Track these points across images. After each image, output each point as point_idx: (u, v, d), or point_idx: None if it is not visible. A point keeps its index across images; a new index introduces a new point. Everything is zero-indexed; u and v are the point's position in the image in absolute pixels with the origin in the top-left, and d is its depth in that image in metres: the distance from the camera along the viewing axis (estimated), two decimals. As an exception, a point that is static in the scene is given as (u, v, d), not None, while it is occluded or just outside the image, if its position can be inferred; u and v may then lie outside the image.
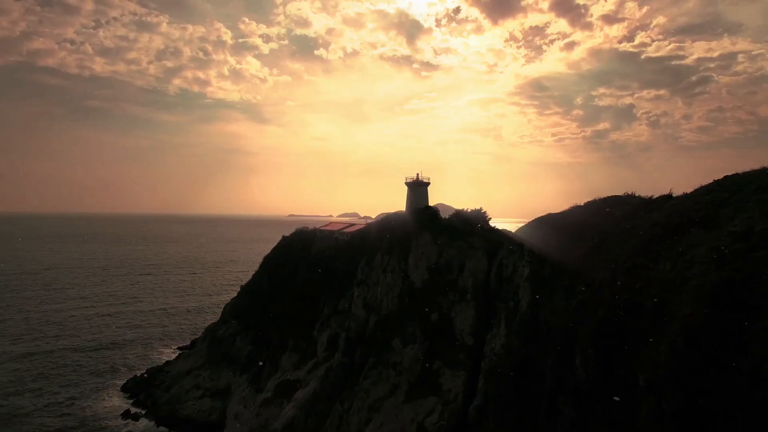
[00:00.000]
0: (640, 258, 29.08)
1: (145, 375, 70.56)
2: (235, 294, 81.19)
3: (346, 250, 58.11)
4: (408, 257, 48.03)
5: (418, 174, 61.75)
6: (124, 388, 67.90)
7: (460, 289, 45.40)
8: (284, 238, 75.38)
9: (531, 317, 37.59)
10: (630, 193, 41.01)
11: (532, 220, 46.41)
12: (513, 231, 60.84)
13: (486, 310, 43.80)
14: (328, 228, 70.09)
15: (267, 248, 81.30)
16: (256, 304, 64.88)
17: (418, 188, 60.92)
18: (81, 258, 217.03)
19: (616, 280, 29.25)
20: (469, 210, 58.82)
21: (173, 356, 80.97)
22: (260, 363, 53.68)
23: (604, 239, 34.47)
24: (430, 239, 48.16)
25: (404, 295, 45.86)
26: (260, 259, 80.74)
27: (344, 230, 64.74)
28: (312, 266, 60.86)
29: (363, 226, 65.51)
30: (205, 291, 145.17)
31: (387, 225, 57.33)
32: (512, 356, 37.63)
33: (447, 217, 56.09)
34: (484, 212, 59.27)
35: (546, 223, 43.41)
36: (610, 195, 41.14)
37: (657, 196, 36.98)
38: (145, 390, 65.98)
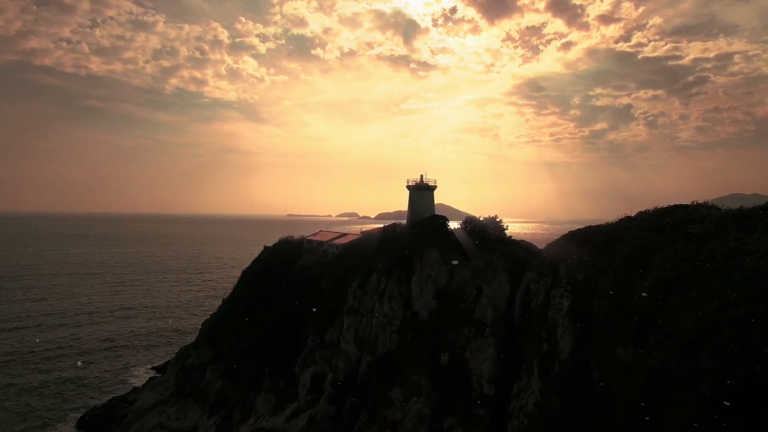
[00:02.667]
0: (756, 304, 19.63)
1: (106, 407, 61.26)
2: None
3: (335, 267, 48.47)
4: (411, 280, 38.54)
5: (422, 176, 52.14)
6: (81, 423, 58.84)
7: (476, 321, 36.01)
8: (266, 249, 65.67)
9: (576, 369, 28.26)
10: (700, 201, 31.37)
11: (566, 234, 36.80)
12: (534, 244, 51.34)
13: (510, 351, 34.41)
14: (316, 238, 60.46)
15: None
16: (231, 328, 55.28)
17: (422, 193, 51.27)
18: (69, 261, 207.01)
19: (721, 334, 19.87)
20: (482, 218, 49.39)
21: (145, 378, 72.39)
22: (231, 405, 44.16)
23: (681, 269, 24.92)
24: (438, 257, 38.72)
25: (406, 329, 36.41)
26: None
27: (334, 241, 55.10)
28: (295, 286, 51.33)
29: (357, 236, 55.80)
30: (195, 300, 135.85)
31: (385, 237, 47.78)
32: (552, 421, 28.31)
33: (456, 227, 46.80)
34: (500, 220, 49.86)
35: (586, 239, 34.09)
36: (672, 204, 31.69)
37: (749, 207, 27.36)
38: (104, 426, 56.96)
